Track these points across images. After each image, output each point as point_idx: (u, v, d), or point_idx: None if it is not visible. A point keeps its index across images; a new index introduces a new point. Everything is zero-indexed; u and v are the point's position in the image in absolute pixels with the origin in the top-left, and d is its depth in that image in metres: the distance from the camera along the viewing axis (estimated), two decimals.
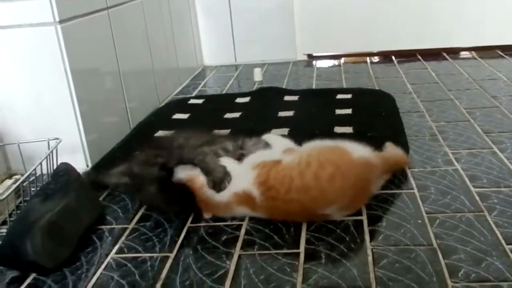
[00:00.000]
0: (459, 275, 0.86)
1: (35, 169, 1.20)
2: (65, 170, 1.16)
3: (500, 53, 2.42)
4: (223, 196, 1.08)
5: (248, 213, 1.09)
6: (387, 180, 1.20)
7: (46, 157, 1.24)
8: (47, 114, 1.39)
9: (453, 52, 2.50)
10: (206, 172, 1.10)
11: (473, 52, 2.47)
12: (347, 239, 1.00)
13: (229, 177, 1.09)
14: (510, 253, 0.91)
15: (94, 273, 0.95)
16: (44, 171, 1.25)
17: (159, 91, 2.05)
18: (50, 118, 1.39)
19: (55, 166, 1.24)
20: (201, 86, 2.30)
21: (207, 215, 1.12)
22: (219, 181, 1.08)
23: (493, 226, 0.99)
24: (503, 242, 0.94)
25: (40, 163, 1.22)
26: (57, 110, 1.38)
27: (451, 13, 2.48)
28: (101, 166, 1.40)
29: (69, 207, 1.05)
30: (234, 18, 2.59)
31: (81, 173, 1.22)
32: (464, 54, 2.47)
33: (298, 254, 0.96)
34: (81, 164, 1.41)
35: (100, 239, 1.07)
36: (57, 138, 1.30)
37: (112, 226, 1.12)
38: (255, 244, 1.01)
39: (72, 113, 1.38)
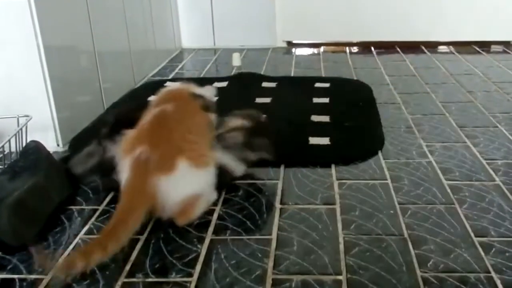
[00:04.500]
0: (428, 265, 0.87)
1: (3, 146, 1.17)
2: (35, 148, 1.13)
3: (477, 49, 2.44)
4: None
5: None
6: (360, 170, 1.20)
7: (15, 134, 1.21)
8: (17, 90, 1.34)
9: (432, 46, 2.52)
10: None
11: (451, 46, 2.50)
12: (320, 227, 1.00)
13: None
14: (478, 245, 0.92)
15: (62, 254, 0.93)
16: (13, 149, 1.21)
17: (135, 72, 2.01)
18: (20, 94, 1.34)
19: (24, 144, 1.21)
20: (178, 68, 2.26)
21: None
22: None
23: (463, 218, 1.01)
24: (472, 234, 0.95)
25: (9, 140, 1.18)
26: (28, 86, 1.34)
27: (431, 7, 2.49)
28: (74, 148, 1.37)
29: (38, 186, 1.03)
30: (215, 1, 2.56)
31: (52, 152, 1.19)
32: (442, 48, 2.49)
33: (270, 240, 0.96)
34: (51, 142, 1.37)
35: (69, 220, 1.05)
36: (27, 115, 1.27)
37: (82, 207, 1.10)
38: (228, 229, 1.00)
39: (44, 90, 1.34)
